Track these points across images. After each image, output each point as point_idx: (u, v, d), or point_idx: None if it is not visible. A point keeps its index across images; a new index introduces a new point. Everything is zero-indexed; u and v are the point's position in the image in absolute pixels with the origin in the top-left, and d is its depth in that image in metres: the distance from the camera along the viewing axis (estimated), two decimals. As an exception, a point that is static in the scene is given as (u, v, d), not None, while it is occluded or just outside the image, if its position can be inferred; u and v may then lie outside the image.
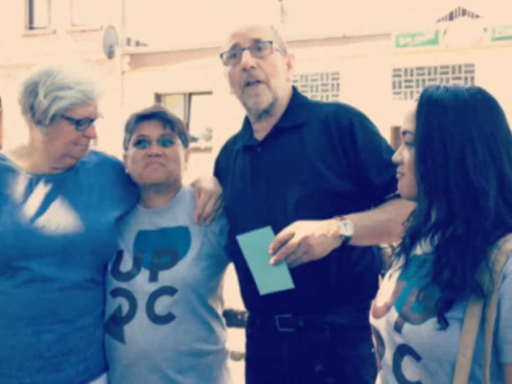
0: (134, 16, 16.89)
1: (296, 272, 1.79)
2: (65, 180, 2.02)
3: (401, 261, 1.53)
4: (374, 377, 1.98)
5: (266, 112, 1.98)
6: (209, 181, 2.14)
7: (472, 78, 13.34)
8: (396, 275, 1.53)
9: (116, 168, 2.15)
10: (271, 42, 1.95)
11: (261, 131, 2.03)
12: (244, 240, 1.80)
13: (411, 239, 1.52)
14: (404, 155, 1.48)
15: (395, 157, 1.51)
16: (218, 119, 15.50)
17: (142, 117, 2.07)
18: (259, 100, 1.95)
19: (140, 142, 2.05)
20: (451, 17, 15.16)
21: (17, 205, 1.93)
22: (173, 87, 16.09)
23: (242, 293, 2.07)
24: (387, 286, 1.54)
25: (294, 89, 2.08)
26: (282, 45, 2.02)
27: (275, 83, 1.96)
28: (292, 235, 1.74)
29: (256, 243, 1.78)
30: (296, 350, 1.92)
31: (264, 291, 1.82)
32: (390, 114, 12.67)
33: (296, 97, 2.05)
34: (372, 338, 1.98)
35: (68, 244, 1.92)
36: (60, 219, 1.94)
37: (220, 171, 2.20)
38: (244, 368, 2.11)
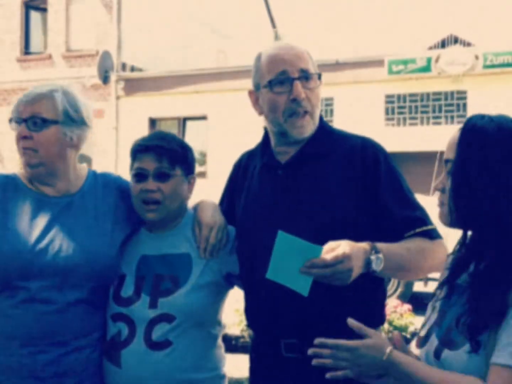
0: (129, 42, 17.00)
1: (306, 298, 1.75)
2: (72, 204, 2.03)
3: (444, 291, 1.53)
4: None
5: (301, 141, 1.98)
6: (209, 211, 2.10)
7: (465, 105, 13.45)
8: (438, 305, 1.53)
9: (120, 188, 2.14)
10: (320, 75, 1.96)
11: (283, 153, 2.01)
12: (284, 239, 1.68)
13: (455, 269, 1.52)
14: (445, 184, 1.48)
15: (437, 185, 1.52)
16: (212, 144, 15.54)
17: (140, 150, 2.03)
18: (304, 132, 1.95)
19: (137, 175, 2.02)
20: (443, 44, 15.33)
21: (23, 225, 1.94)
22: (167, 112, 16.15)
23: (248, 313, 2.06)
24: (430, 317, 1.54)
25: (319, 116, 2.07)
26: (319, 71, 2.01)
27: (317, 114, 1.98)
28: (340, 260, 1.65)
29: (297, 249, 1.66)
30: (301, 376, 1.90)
31: (272, 277, 1.71)
32: (383, 140, 12.73)
33: (322, 125, 2.03)
34: None
35: (69, 267, 1.92)
36: (63, 242, 1.95)
37: (234, 186, 2.18)
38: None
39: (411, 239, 1.88)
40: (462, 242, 1.52)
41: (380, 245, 1.78)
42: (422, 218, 1.91)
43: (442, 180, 1.50)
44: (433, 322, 1.51)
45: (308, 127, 1.95)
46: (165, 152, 2.00)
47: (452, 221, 1.47)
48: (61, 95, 2.00)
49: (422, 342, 1.51)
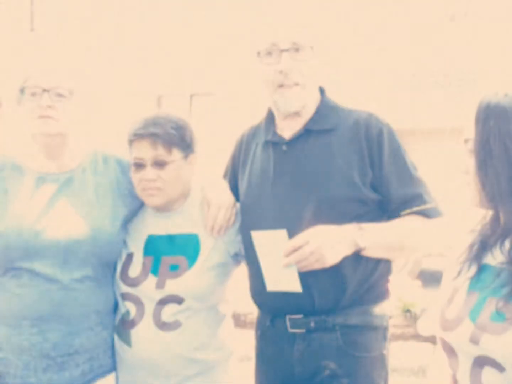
0: (135, 18, 16.87)
1: (312, 274, 1.77)
2: (72, 179, 2.02)
3: (471, 270, 1.46)
4: (385, 380, 1.97)
5: (296, 113, 1.96)
6: (217, 189, 2.09)
7: (474, 80, 13.30)
8: (465, 285, 1.46)
9: (121, 163, 2.12)
10: (312, 47, 1.92)
11: (287, 129, 1.99)
12: (258, 237, 1.80)
13: (480, 247, 1.47)
14: (468, 164, 1.43)
15: (461, 168, 1.46)
16: (220, 120, 15.46)
17: (134, 138, 1.98)
18: (293, 103, 1.92)
19: (136, 165, 1.99)
20: (452, 18, 15.14)
21: (22, 204, 1.93)
22: (174, 89, 16.05)
23: (253, 291, 2.06)
24: (457, 297, 1.47)
25: (321, 90, 2.05)
26: (318, 45, 1.97)
27: (310, 87, 1.94)
28: (306, 242, 1.72)
29: (270, 243, 1.77)
30: (307, 351, 1.91)
31: (271, 288, 1.83)
32: (391, 116, 12.63)
33: (325, 100, 2.02)
34: (383, 339, 1.96)
35: (71, 245, 1.91)
36: (64, 219, 1.94)
37: (236, 163, 2.16)
38: (254, 369, 2.09)
39: (406, 218, 1.88)
40: (488, 220, 1.47)
41: (365, 224, 1.82)
42: (421, 195, 1.89)
43: (466, 161, 1.44)
44: (462, 304, 1.44)
45: (299, 99, 1.92)
46: (159, 138, 1.95)
47: (480, 201, 1.43)
48: (74, 68, 2.03)
49: (451, 326, 1.43)
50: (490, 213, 1.48)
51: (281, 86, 1.91)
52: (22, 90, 1.95)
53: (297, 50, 1.90)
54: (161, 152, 1.96)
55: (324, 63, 2.00)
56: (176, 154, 1.99)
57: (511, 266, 1.36)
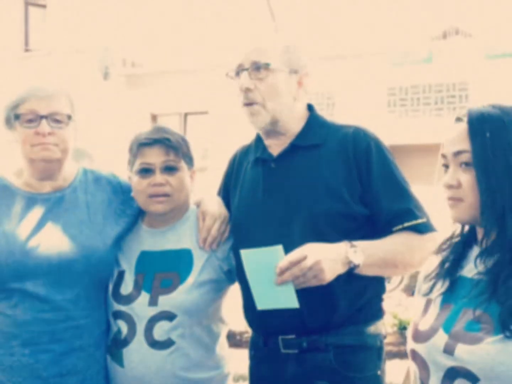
0: (129, 37, 16.95)
1: (302, 293, 1.75)
2: (63, 199, 2.01)
3: (445, 284, 1.46)
4: None
5: (271, 131, 1.97)
6: (213, 203, 2.10)
7: (466, 96, 13.40)
8: (439, 298, 1.46)
9: (112, 183, 2.13)
10: (268, 64, 1.91)
11: (274, 146, 2.01)
12: (248, 255, 1.76)
13: (454, 263, 1.46)
14: (461, 178, 1.39)
15: (451, 182, 1.41)
16: (213, 139, 15.50)
17: (144, 144, 2.00)
18: (254, 120, 1.94)
19: (143, 171, 2.00)
20: (444, 36, 15.27)
21: (13, 225, 1.93)
22: (169, 108, 16.11)
23: (245, 311, 2.05)
24: (430, 310, 1.46)
25: (311, 107, 2.06)
26: (292, 64, 1.96)
27: (273, 105, 1.93)
28: (304, 258, 1.70)
29: (262, 260, 1.73)
30: (300, 371, 1.90)
31: (263, 307, 1.79)
32: (385, 133, 12.71)
33: (314, 116, 2.03)
34: (378, 360, 1.95)
35: (63, 263, 1.91)
36: (55, 238, 1.93)
37: (229, 182, 2.17)
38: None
39: (398, 234, 1.86)
40: (464, 235, 1.47)
41: (357, 242, 1.80)
42: (412, 211, 1.87)
43: (455, 175, 1.40)
44: (435, 316, 1.44)
45: (259, 116, 1.93)
46: (171, 145, 1.99)
47: (472, 218, 1.40)
48: (67, 93, 2.01)
49: (424, 337, 1.42)
50: (458, 230, 1.47)
51: (245, 104, 1.94)
52: (16, 116, 1.94)
53: (257, 69, 1.92)
54: (172, 157, 2.00)
55: (307, 81, 2.01)
56: (183, 163, 2.03)
57: (489, 276, 1.35)
